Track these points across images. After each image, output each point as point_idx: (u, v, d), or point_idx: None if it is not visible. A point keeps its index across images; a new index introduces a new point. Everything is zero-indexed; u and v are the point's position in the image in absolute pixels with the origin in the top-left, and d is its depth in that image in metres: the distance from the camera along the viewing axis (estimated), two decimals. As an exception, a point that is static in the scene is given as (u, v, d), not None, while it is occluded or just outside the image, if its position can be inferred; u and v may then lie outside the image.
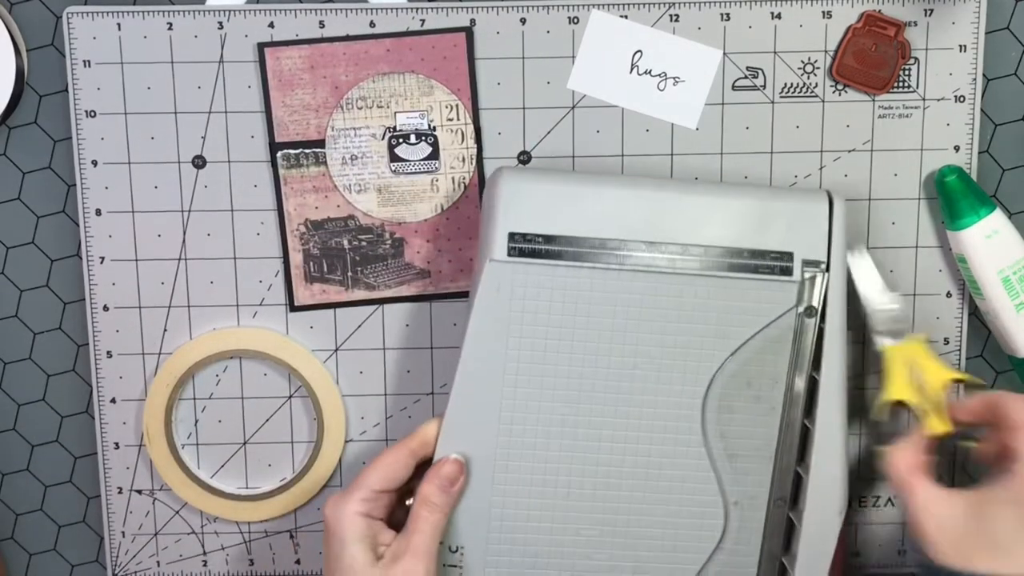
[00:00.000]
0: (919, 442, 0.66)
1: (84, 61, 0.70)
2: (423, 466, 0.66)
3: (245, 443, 0.75)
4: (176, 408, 0.74)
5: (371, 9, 0.70)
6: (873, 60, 0.70)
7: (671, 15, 0.70)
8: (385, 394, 0.74)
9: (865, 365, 0.73)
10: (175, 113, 0.71)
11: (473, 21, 0.70)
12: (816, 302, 0.66)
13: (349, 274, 0.72)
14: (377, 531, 0.65)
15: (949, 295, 0.73)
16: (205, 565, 0.76)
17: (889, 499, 0.75)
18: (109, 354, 0.73)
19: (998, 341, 0.72)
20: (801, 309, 0.66)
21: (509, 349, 0.66)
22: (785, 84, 0.71)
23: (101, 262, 0.72)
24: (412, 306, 0.73)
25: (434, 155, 0.71)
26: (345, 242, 0.72)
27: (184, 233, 0.72)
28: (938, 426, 0.67)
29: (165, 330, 0.73)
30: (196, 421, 0.74)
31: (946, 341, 0.73)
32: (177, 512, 0.75)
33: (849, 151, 0.71)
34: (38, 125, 0.72)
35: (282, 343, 0.73)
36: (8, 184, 0.72)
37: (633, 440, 0.67)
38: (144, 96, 0.70)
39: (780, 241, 0.66)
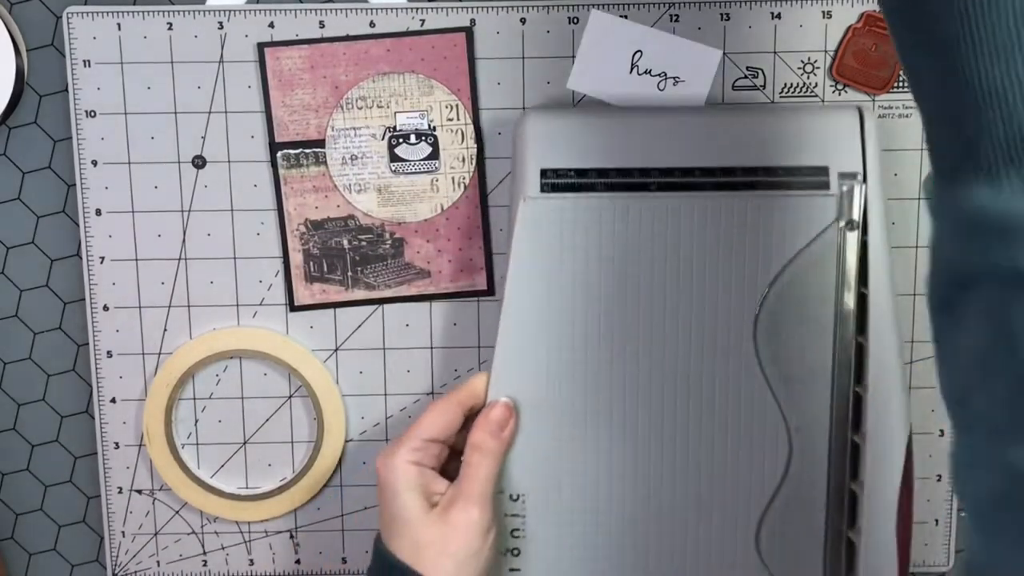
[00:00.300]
0: None
1: (84, 61, 0.70)
2: (474, 420, 0.66)
3: (245, 443, 0.75)
4: (176, 408, 0.74)
5: (371, 9, 0.70)
6: (873, 60, 0.70)
7: (671, 15, 0.70)
8: (385, 394, 0.74)
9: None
10: (175, 113, 0.71)
11: (473, 21, 0.70)
12: (856, 215, 0.65)
13: (349, 274, 0.72)
14: (429, 480, 0.65)
15: (949, 295, 0.72)
16: (205, 565, 0.76)
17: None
18: (109, 354, 0.73)
19: (998, 341, 0.72)
20: (842, 223, 0.65)
21: (551, 287, 0.66)
22: (785, 84, 0.71)
23: (101, 262, 0.72)
24: (412, 306, 0.73)
25: (434, 155, 0.71)
26: (345, 242, 0.72)
27: (184, 233, 0.72)
28: None
29: (165, 330, 0.73)
30: (196, 421, 0.74)
31: (946, 341, 0.73)
32: (177, 512, 0.75)
33: (849, 151, 0.71)
34: (38, 125, 0.72)
35: (282, 343, 0.73)
36: (8, 184, 0.72)
37: (686, 371, 0.67)
38: (144, 96, 0.70)
39: (814, 156, 0.65)
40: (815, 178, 0.65)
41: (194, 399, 0.74)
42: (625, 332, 0.66)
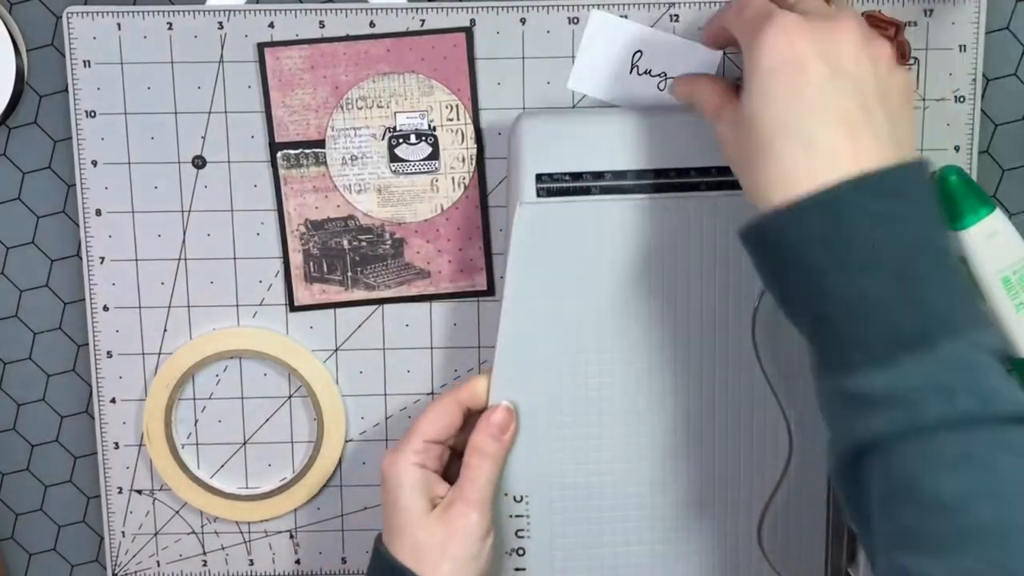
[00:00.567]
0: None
1: (84, 61, 0.70)
2: (475, 421, 0.66)
3: (245, 443, 0.75)
4: (176, 408, 0.74)
5: (371, 9, 0.70)
6: (873, 60, 0.70)
7: (671, 15, 0.70)
8: (385, 394, 0.74)
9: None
10: (175, 113, 0.71)
11: (473, 21, 0.70)
12: None
13: (349, 274, 0.72)
14: (432, 482, 0.65)
15: (949, 295, 0.72)
16: (205, 565, 0.76)
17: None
18: (109, 354, 0.73)
19: (998, 341, 0.72)
20: None
21: (549, 290, 0.66)
22: (785, 84, 0.71)
23: (101, 262, 0.72)
24: (412, 306, 0.73)
25: (434, 155, 0.71)
26: (345, 242, 0.72)
27: (184, 233, 0.72)
28: None
29: (165, 330, 0.73)
30: (196, 421, 0.74)
31: (946, 341, 0.73)
32: (177, 512, 0.75)
33: (849, 151, 0.71)
34: (38, 125, 0.72)
35: (282, 343, 0.73)
36: (8, 184, 0.72)
37: (686, 370, 0.67)
38: (144, 96, 0.70)
39: None
40: None
41: (194, 399, 0.74)
42: (625, 333, 0.67)
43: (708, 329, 0.67)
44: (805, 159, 0.52)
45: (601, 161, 0.65)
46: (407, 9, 0.70)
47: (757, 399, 0.67)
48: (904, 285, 0.52)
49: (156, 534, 0.75)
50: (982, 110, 0.71)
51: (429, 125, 0.71)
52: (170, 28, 0.70)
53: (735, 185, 0.65)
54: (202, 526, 0.75)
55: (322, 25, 0.70)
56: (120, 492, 0.75)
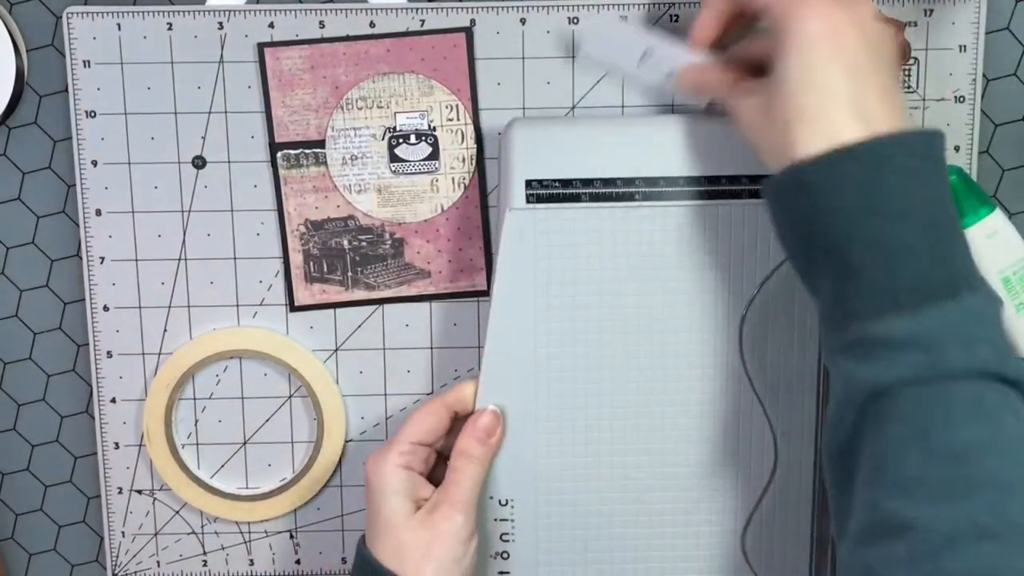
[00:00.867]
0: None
1: (84, 61, 0.70)
2: (462, 424, 0.66)
3: (245, 443, 0.75)
4: (176, 408, 0.74)
5: (371, 9, 0.70)
6: (873, 60, 0.70)
7: (671, 15, 0.70)
8: (385, 394, 0.74)
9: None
10: (175, 113, 0.71)
11: (473, 21, 0.70)
12: None
13: (349, 274, 0.72)
14: (417, 484, 0.65)
15: (949, 295, 0.72)
16: (205, 565, 0.76)
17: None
18: (109, 354, 0.73)
19: (998, 341, 0.72)
20: None
21: (538, 297, 0.66)
22: (785, 84, 0.71)
23: (101, 262, 0.72)
24: (412, 306, 0.73)
25: (434, 155, 0.71)
26: (345, 242, 0.72)
27: (184, 233, 0.72)
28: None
29: (165, 330, 0.73)
30: (196, 421, 0.74)
31: (946, 341, 0.73)
32: (177, 512, 0.75)
33: (849, 151, 0.71)
34: (38, 125, 0.72)
35: (282, 343, 0.73)
36: (8, 184, 0.72)
37: (674, 378, 0.67)
38: (144, 96, 0.70)
39: None
40: None
41: (194, 399, 0.74)
42: (613, 341, 0.67)
43: (695, 337, 0.67)
44: (845, 116, 0.55)
45: (590, 168, 0.65)
46: (407, 9, 0.70)
47: (743, 408, 0.67)
48: (933, 235, 0.54)
49: (156, 534, 0.75)
50: (982, 110, 0.71)
51: (429, 125, 0.71)
52: (170, 28, 0.70)
53: (725, 195, 0.65)
54: (202, 526, 0.75)
55: (322, 25, 0.70)
56: (120, 492, 0.75)
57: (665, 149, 0.66)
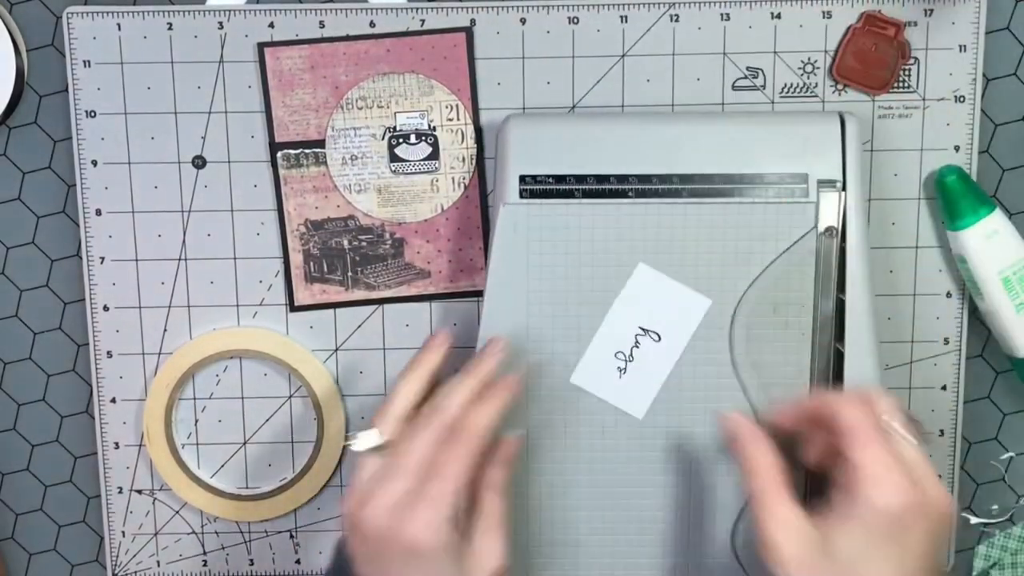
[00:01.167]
0: (767, 439, 0.61)
1: (84, 61, 0.70)
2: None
3: (245, 443, 0.75)
4: (176, 408, 0.74)
5: (371, 9, 0.70)
6: (873, 60, 0.70)
7: (671, 15, 0.70)
8: (385, 394, 0.74)
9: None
10: (175, 113, 0.71)
11: (473, 21, 0.70)
12: (835, 222, 0.66)
13: (349, 274, 0.72)
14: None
15: (949, 295, 0.72)
16: (205, 565, 0.76)
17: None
18: (109, 354, 0.73)
19: (998, 341, 0.72)
20: (821, 230, 0.66)
21: (530, 290, 0.67)
22: (785, 84, 0.71)
23: (101, 262, 0.72)
24: (412, 306, 0.73)
25: (434, 155, 0.71)
26: (345, 242, 0.72)
27: (184, 233, 0.72)
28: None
29: (165, 330, 0.73)
30: (196, 421, 0.74)
31: (946, 341, 0.73)
32: (177, 512, 0.75)
33: (849, 151, 0.71)
34: (38, 125, 0.72)
35: (282, 343, 0.73)
36: (8, 184, 0.72)
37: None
38: (144, 96, 0.70)
39: (794, 163, 0.66)
40: (795, 184, 0.66)
41: (194, 399, 0.74)
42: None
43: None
44: None
45: (584, 165, 0.66)
46: (407, 9, 0.70)
47: (735, 408, 0.67)
48: None
49: (156, 534, 0.75)
50: (982, 110, 0.71)
51: (429, 125, 0.71)
52: (170, 28, 0.70)
53: (716, 194, 0.65)
54: (202, 526, 0.75)
55: (322, 25, 0.70)
56: (120, 492, 0.75)
57: (659, 147, 0.66)
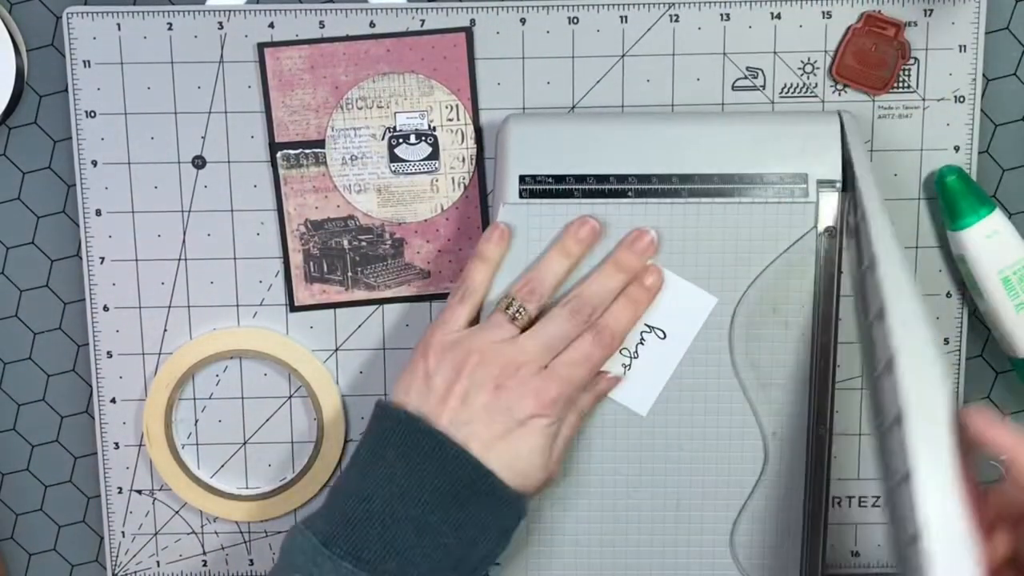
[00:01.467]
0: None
1: (84, 61, 0.70)
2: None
3: (245, 443, 0.75)
4: (176, 408, 0.74)
5: (371, 9, 0.70)
6: (873, 60, 0.70)
7: (671, 15, 0.70)
8: (385, 394, 0.74)
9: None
10: (175, 113, 0.71)
11: (473, 21, 0.70)
12: (835, 222, 0.66)
13: (349, 274, 0.72)
14: None
15: (949, 295, 0.72)
16: (205, 565, 0.76)
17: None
18: (109, 354, 0.73)
19: (998, 341, 0.72)
20: (820, 230, 0.66)
21: None
22: (785, 84, 0.71)
23: (101, 262, 0.72)
24: (412, 306, 0.73)
25: (434, 155, 0.71)
26: (345, 242, 0.72)
27: (184, 233, 0.72)
28: None
29: (165, 330, 0.73)
30: (196, 421, 0.74)
31: (946, 341, 0.73)
32: (177, 512, 0.75)
33: (849, 151, 0.71)
34: (38, 125, 0.72)
35: (282, 343, 0.73)
36: (8, 184, 0.72)
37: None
38: (144, 96, 0.70)
39: (793, 163, 0.66)
40: (794, 184, 0.66)
41: (194, 399, 0.74)
42: None
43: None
44: None
45: (584, 165, 0.66)
46: (407, 9, 0.70)
47: (734, 407, 0.67)
48: None
49: (156, 534, 0.75)
50: (982, 110, 0.71)
51: (429, 125, 0.71)
52: (170, 28, 0.70)
53: (716, 194, 0.65)
54: (202, 526, 0.75)
55: (322, 25, 0.70)
56: (120, 492, 0.75)
57: (659, 147, 0.66)
